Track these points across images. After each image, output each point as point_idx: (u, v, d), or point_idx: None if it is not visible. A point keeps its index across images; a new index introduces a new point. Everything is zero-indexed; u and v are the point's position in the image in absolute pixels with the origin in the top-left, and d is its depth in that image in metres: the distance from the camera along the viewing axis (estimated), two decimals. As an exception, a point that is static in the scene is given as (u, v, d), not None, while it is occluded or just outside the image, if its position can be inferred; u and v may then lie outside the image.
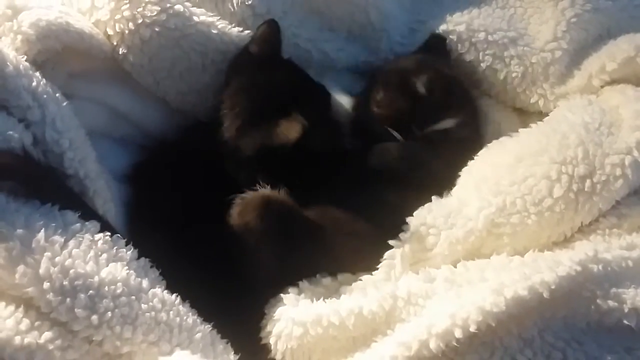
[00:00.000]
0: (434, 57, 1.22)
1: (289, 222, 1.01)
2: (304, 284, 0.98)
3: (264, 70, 1.14)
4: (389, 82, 1.16)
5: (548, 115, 1.16)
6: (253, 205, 0.99)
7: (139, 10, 1.09)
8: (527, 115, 1.28)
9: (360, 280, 0.98)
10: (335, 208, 1.04)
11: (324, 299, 0.93)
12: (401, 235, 0.99)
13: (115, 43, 1.11)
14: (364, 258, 1.00)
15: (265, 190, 1.01)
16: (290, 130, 1.03)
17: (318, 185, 1.05)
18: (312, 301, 0.93)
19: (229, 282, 0.96)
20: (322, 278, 0.99)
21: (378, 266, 0.98)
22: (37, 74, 0.96)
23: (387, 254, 0.98)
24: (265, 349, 0.93)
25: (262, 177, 1.02)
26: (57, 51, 1.03)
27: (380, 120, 1.14)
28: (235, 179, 1.05)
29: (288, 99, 1.09)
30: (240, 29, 1.19)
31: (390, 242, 0.98)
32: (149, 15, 1.10)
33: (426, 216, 1.00)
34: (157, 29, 1.11)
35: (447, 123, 1.13)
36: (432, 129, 1.12)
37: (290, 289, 0.97)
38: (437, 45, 1.27)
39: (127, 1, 1.09)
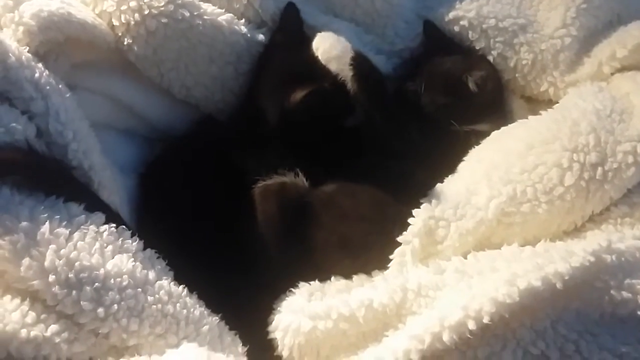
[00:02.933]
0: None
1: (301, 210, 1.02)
2: (315, 284, 0.97)
3: (287, 52, 1.15)
4: (433, 80, 1.18)
5: (557, 104, 1.14)
6: (272, 191, 1.02)
7: (145, 1, 1.08)
8: (536, 103, 1.26)
9: (374, 281, 0.95)
10: (341, 194, 1.05)
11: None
12: (410, 229, 0.97)
13: (120, 34, 1.10)
14: (375, 242, 0.99)
15: (283, 178, 1.03)
16: (300, 93, 1.05)
17: (334, 163, 1.07)
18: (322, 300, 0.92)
19: (239, 275, 0.96)
20: (336, 281, 0.98)
21: (389, 265, 0.96)
22: (40, 65, 0.95)
23: (396, 252, 0.96)
24: (274, 343, 0.92)
25: (282, 154, 1.06)
26: (60, 42, 1.01)
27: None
28: (247, 170, 1.05)
29: (307, 72, 1.11)
30: (247, 22, 1.19)
31: (399, 239, 0.97)
32: (156, 5, 1.08)
33: (434, 209, 0.98)
34: (164, 20, 1.09)
35: (483, 127, 1.15)
36: (470, 127, 1.15)
37: (302, 285, 0.96)
38: (433, 31, 1.27)
39: (134, -8, 1.08)
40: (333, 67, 1.13)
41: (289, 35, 1.17)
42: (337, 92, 1.10)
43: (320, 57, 1.13)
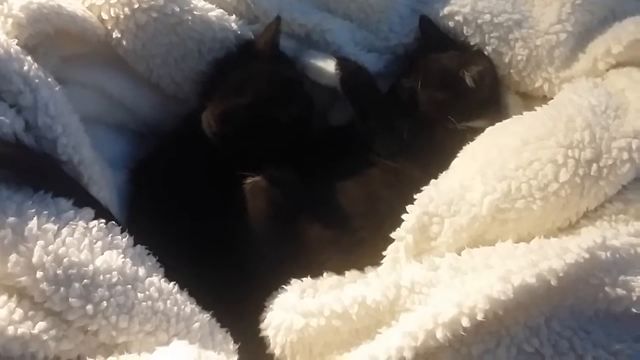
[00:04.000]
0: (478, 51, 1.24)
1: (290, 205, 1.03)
2: (307, 280, 0.96)
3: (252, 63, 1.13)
4: (430, 76, 1.18)
5: (552, 100, 1.14)
6: (261, 188, 1.02)
7: None
8: (531, 99, 1.25)
9: (367, 278, 0.95)
10: (333, 190, 1.05)
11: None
12: (403, 225, 0.96)
13: (109, 28, 1.09)
14: (368, 237, 1.00)
15: (273, 173, 1.04)
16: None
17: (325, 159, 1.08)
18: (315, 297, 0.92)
19: (231, 272, 0.96)
20: (328, 277, 0.98)
21: (382, 261, 0.96)
22: (29, 58, 0.94)
23: (390, 248, 0.96)
24: (266, 341, 0.91)
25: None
26: (49, 35, 1.00)
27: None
28: (238, 166, 1.04)
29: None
30: (238, 17, 1.18)
31: (392, 235, 0.96)
32: (146, 0, 1.07)
33: (428, 205, 0.97)
34: (153, 15, 1.08)
35: (480, 123, 1.14)
36: (467, 124, 1.14)
37: (293, 282, 0.96)
38: (428, 27, 1.26)
39: (124, -15, 1.06)
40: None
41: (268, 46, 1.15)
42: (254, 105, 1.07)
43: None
